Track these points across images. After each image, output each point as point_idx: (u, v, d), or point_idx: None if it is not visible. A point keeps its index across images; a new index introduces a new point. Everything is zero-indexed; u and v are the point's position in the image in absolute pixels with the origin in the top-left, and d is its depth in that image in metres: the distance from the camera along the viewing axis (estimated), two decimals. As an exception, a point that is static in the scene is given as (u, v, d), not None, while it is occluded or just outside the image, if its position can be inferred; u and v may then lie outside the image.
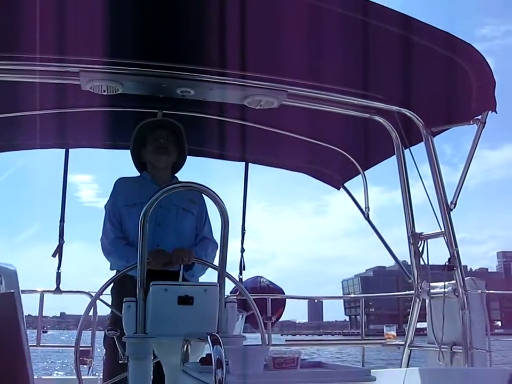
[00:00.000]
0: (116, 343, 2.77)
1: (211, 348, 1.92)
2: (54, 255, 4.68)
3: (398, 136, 4.30)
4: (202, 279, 3.52)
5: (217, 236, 3.28)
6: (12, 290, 0.99)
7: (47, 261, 4.69)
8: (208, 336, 1.99)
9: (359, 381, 1.96)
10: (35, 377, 4.57)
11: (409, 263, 4.50)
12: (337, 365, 2.32)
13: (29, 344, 5.03)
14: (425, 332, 4.53)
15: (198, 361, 2.37)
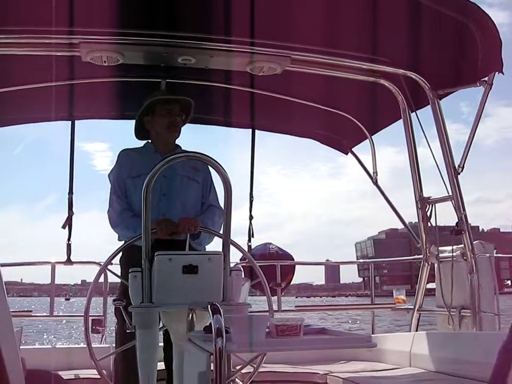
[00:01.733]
0: (123, 313, 2.80)
1: (211, 317, 1.94)
2: (63, 227, 4.72)
3: (404, 99, 4.25)
4: (210, 246, 3.53)
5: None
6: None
7: (61, 231, 4.75)
8: (209, 306, 2.00)
9: (360, 347, 1.97)
10: (49, 346, 4.67)
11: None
12: (340, 331, 2.33)
13: (43, 314, 5.16)
14: (434, 292, 4.55)
15: (202, 329, 2.39)
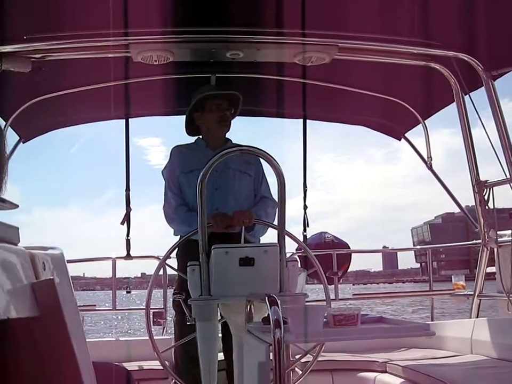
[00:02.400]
0: (183, 305, 2.87)
1: (269, 308, 1.97)
2: (122, 223, 4.84)
3: (457, 82, 4.16)
4: (265, 237, 3.57)
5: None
6: (51, 277, 1.03)
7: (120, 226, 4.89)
8: (266, 298, 2.03)
9: (418, 336, 1.96)
10: (113, 339, 4.82)
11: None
12: (398, 320, 2.33)
13: (107, 308, 5.33)
14: (495, 276, 4.47)
15: (260, 320, 2.43)
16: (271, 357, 1.99)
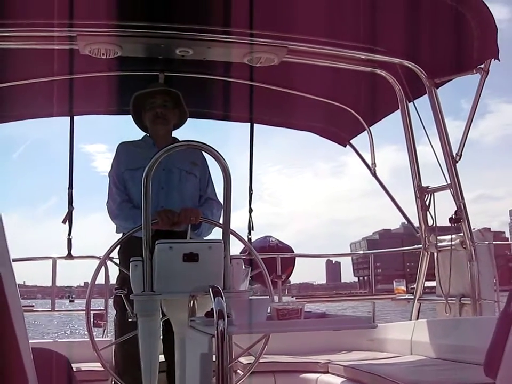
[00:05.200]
0: (124, 301, 2.81)
1: (212, 299, 1.95)
2: (64, 222, 4.73)
3: (401, 89, 4.27)
4: (209, 238, 3.54)
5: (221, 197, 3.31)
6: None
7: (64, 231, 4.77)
8: (210, 289, 2.02)
9: (362, 328, 1.97)
10: (50, 340, 4.68)
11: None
12: (341, 315, 2.35)
13: (45, 309, 5.17)
14: (433, 290, 4.59)
15: (204, 315, 2.40)
16: (214, 350, 1.98)
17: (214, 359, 1.97)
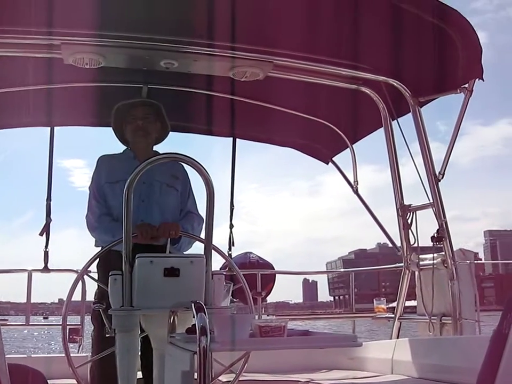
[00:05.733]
0: (103, 316, 2.74)
1: (195, 315, 1.90)
2: (41, 234, 4.64)
3: (385, 107, 4.28)
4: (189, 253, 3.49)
5: (202, 211, 3.27)
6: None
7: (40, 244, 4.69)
8: (192, 304, 1.96)
9: (346, 346, 1.93)
10: (24, 356, 4.57)
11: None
12: (325, 333, 2.31)
13: (20, 323, 5.05)
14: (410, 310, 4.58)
15: (184, 331, 2.34)
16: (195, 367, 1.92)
17: (195, 376, 1.92)
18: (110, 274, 2.65)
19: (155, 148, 3.66)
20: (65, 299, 3.14)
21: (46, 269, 4.64)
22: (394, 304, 5.23)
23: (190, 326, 2.31)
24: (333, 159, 5.40)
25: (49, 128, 4.78)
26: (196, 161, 2.66)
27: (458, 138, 3.93)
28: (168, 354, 2.46)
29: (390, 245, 4.69)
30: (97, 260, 3.20)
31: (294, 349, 2.01)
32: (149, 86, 4.10)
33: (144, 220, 3.29)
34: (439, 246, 4.16)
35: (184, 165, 3.32)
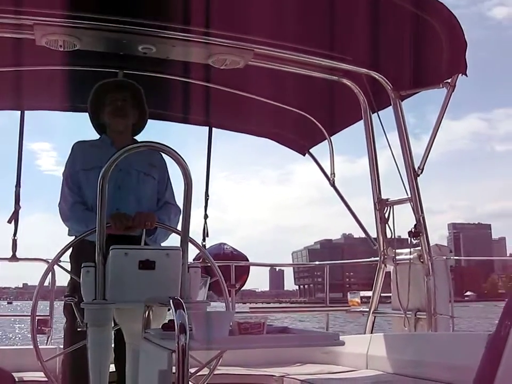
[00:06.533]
0: (74, 309, 2.65)
1: (174, 312, 1.82)
2: (9, 221, 4.50)
3: (365, 100, 4.24)
4: (164, 244, 3.40)
5: (180, 201, 3.18)
6: None
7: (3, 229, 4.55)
8: (171, 300, 1.88)
9: (327, 345, 1.88)
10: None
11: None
12: (304, 329, 2.25)
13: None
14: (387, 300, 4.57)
15: (160, 327, 2.27)
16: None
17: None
18: (82, 266, 2.56)
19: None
20: (29, 284, 3.03)
21: (14, 258, 4.50)
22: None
23: (166, 322, 2.24)
24: (310, 150, 5.35)
25: (19, 112, 4.63)
26: (174, 151, 2.58)
27: (426, 132, 3.92)
28: (143, 350, 2.38)
29: (355, 236, 4.71)
30: (71, 249, 3.10)
31: (274, 347, 1.94)
32: (124, 71, 3.97)
33: (119, 208, 3.19)
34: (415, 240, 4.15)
35: (163, 154, 3.24)
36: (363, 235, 4.83)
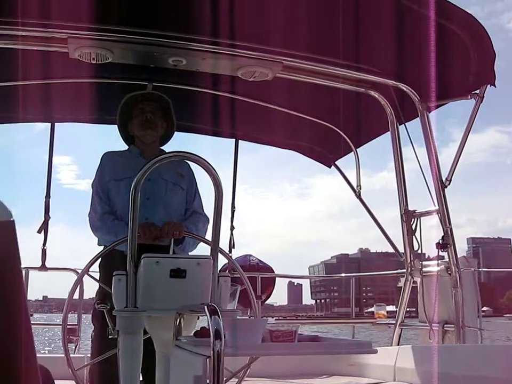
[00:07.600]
0: (106, 317, 2.68)
1: (209, 318, 1.83)
2: (39, 231, 4.57)
3: (392, 111, 4.23)
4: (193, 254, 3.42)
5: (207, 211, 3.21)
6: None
7: (30, 240, 4.60)
8: (206, 307, 1.90)
9: (361, 353, 1.88)
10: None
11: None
12: (335, 338, 2.26)
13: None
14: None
15: (192, 334, 2.28)
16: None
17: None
18: (114, 274, 2.58)
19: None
20: (49, 296, 3.07)
21: (43, 267, 4.57)
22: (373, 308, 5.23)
23: (198, 329, 2.26)
24: (336, 162, 5.35)
25: (49, 124, 4.71)
26: (205, 161, 2.60)
27: (445, 145, 3.92)
28: (175, 357, 2.40)
29: (372, 251, 4.68)
30: (100, 259, 3.13)
31: (307, 354, 1.94)
32: (154, 84, 4.03)
33: (149, 218, 3.23)
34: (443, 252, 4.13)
35: (190, 163, 3.26)
36: (379, 249, 4.82)
